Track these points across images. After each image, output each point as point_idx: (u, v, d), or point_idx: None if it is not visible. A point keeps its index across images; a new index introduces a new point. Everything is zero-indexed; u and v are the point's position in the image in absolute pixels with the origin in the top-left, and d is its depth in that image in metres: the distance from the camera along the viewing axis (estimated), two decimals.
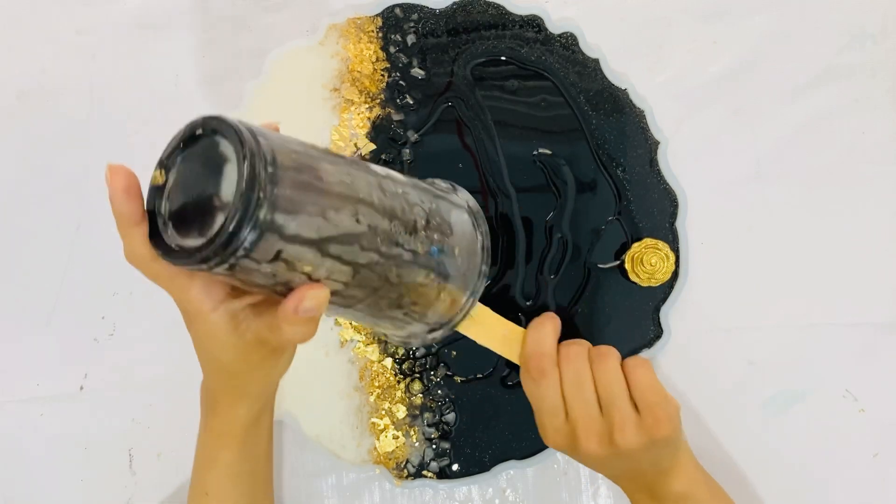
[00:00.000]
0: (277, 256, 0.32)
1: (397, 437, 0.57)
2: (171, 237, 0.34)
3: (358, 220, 0.35)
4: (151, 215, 0.35)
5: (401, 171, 0.58)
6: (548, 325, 0.48)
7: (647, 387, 0.45)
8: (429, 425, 0.58)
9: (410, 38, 0.59)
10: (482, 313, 0.47)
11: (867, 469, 0.59)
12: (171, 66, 0.61)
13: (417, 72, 0.59)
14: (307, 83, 0.59)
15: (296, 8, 0.61)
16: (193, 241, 0.33)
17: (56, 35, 0.61)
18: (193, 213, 0.33)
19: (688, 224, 0.59)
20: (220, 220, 0.31)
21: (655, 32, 0.61)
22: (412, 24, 0.59)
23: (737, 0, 0.61)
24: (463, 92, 0.59)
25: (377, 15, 0.59)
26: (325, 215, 0.33)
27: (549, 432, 0.46)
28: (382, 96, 0.59)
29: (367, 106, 0.59)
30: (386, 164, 0.59)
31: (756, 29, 0.61)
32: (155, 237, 0.35)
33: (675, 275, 0.58)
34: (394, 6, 0.59)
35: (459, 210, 0.43)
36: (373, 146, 0.59)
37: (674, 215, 0.59)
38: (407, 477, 0.58)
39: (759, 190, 0.60)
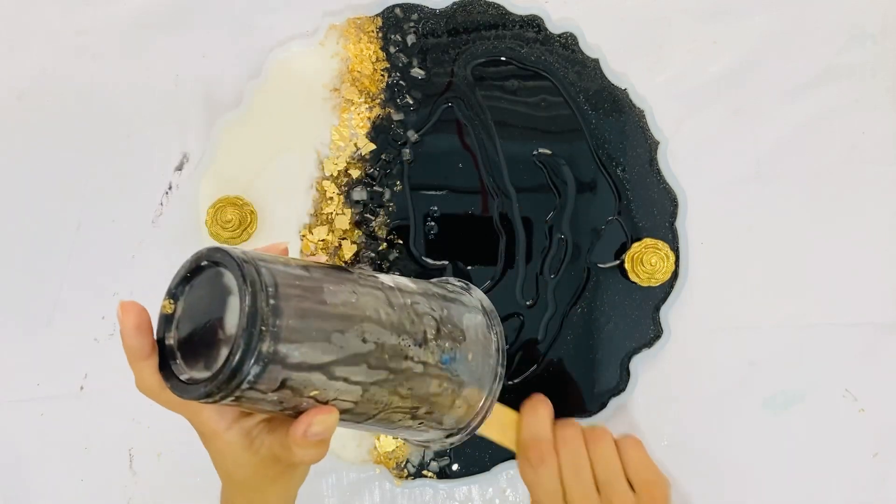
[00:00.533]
0: (283, 385, 0.33)
1: (397, 437, 0.57)
2: (180, 368, 0.34)
3: (364, 340, 0.35)
4: (160, 344, 0.35)
5: (402, 172, 0.58)
6: (542, 409, 0.48)
7: (641, 466, 0.47)
8: None
9: (410, 38, 0.59)
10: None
11: (867, 469, 0.59)
12: (171, 66, 0.61)
13: (417, 72, 0.59)
14: (307, 83, 0.59)
15: (296, 8, 0.61)
16: (199, 374, 0.33)
17: (56, 35, 0.61)
18: (200, 345, 0.33)
19: (688, 224, 0.59)
20: (224, 353, 0.31)
21: (655, 32, 0.61)
22: (412, 24, 0.59)
23: (737, 0, 0.61)
24: (463, 92, 0.59)
25: (377, 15, 0.59)
26: (330, 339, 0.33)
27: None
28: (382, 96, 0.59)
29: (367, 106, 0.59)
30: (386, 163, 0.59)
31: (756, 29, 0.61)
32: (164, 368, 0.35)
33: (675, 275, 0.58)
34: (394, 6, 0.59)
35: (473, 312, 0.42)
36: (373, 146, 0.59)
37: (674, 215, 0.59)
38: (407, 477, 0.58)
39: (759, 190, 0.60)
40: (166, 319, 0.35)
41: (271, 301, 0.31)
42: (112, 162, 0.60)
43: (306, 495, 0.58)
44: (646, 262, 0.57)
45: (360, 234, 0.58)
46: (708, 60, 0.61)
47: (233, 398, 0.32)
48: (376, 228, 0.58)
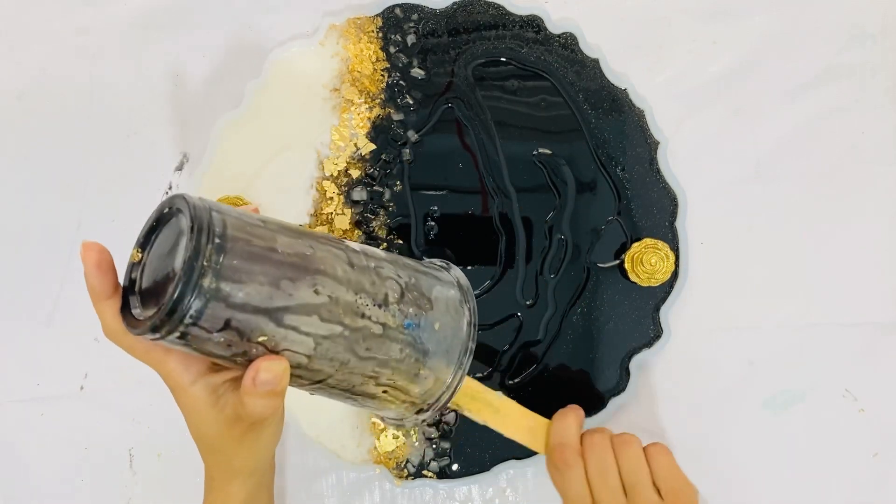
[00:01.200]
0: (227, 325, 0.33)
1: (397, 437, 0.57)
2: (138, 310, 0.36)
3: (317, 291, 0.35)
4: (126, 291, 0.36)
5: (402, 172, 0.58)
6: (570, 416, 0.49)
7: (669, 473, 0.47)
8: (429, 425, 0.58)
9: (410, 38, 0.59)
10: (507, 406, 0.49)
11: (867, 469, 0.59)
12: (171, 66, 0.61)
13: (417, 72, 0.59)
14: (307, 83, 0.59)
15: (296, 8, 0.61)
16: (149, 312, 0.34)
17: (56, 35, 0.61)
18: (157, 287, 0.35)
19: (688, 224, 0.59)
20: (176, 280, 0.32)
21: (655, 32, 0.61)
22: (412, 24, 0.59)
23: (737, 0, 0.61)
24: (463, 92, 0.59)
25: (377, 15, 0.59)
26: (279, 285, 0.34)
27: None
28: (382, 96, 0.59)
29: (367, 106, 0.59)
30: (386, 163, 0.59)
31: (756, 29, 0.61)
32: (125, 309, 0.36)
33: (675, 275, 0.58)
34: (394, 6, 0.59)
35: (445, 286, 0.42)
36: (373, 146, 0.59)
37: (674, 215, 0.59)
38: (407, 477, 0.58)
39: (759, 190, 0.60)
40: (132, 267, 0.36)
41: (216, 240, 0.33)
42: (112, 162, 0.60)
43: (306, 495, 0.59)
44: (646, 262, 0.57)
45: (361, 234, 0.58)
46: (708, 60, 0.61)
47: (178, 334, 0.33)
48: (376, 228, 0.58)
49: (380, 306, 0.38)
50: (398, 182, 0.59)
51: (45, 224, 0.60)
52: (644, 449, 0.48)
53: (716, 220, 0.60)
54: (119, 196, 0.60)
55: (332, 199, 0.58)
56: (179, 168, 0.60)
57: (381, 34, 0.59)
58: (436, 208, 0.59)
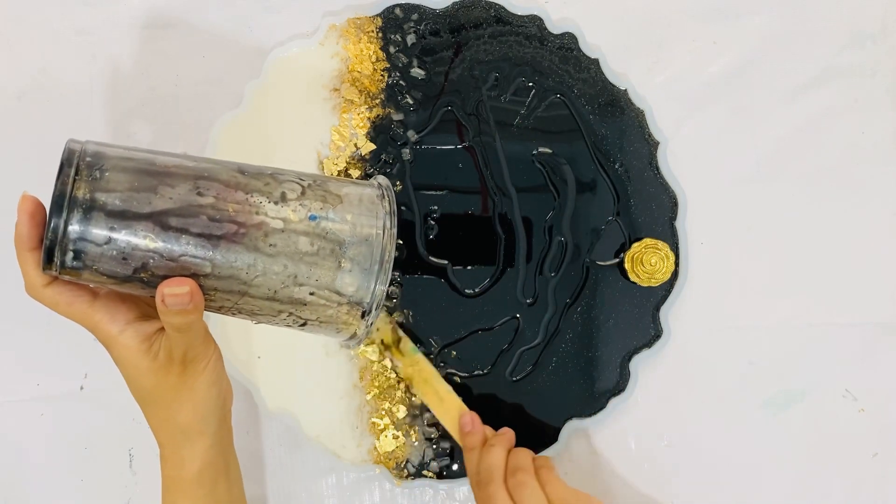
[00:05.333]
0: (112, 234, 0.35)
1: (397, 437, 0.57)
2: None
3: (200, 193, 0.36)
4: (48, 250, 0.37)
5: (402, 172, 0.58)
6: (496, 450, 0.51)
7: (564, 498, 0.48)
8: (429, 425, 0.58)
9: (410, 38, 0.59)
10: (451, 400, 0.54)
11: (867, 469, 0.59)
12: (171, 66, 0.61)
13: (417, 72, 0.59)
14: (307, 83, 0.59)
15: (296, 8, 0.61)
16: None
17: (56, 35, 0.61)
18: None
19: (688, 224, 0.59)
20: (53, 194, 0.35)
21: (655, 32, 0.61)
22: (412, 24, 0.59)
23: (737, 0, 0.61)
24: (463, 92, 0.59)
25: (377, 15, 0.59)
26: (156, 190, 0.36)
27: None
28: (382, 96, 0.59)
29: (367, 106, 0.59)
30: (386, 163, 0.59)
31: (756, 29, 0.61)
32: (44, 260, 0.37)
33: (675, 275, 0.58)
34: (394, 6, 0.59)
35: (359, 186, 0.42)
36: (373, 146, 0.59)
37: (674, 215, 0.59)
38: (407, 477, 0.58)
39: (759, 190, 0.60)
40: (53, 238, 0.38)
41: (87, 158, 0.35)
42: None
43: (306, 495, 0.59)
44: (646, 262, 0.57)
45: None
46: (708, 60, 0.61)
47: (72, 254, 0.35)
48: None
49: (276, 203, 0.38)
50: (398, 182, 0.59)
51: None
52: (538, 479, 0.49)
53: (716, 220, 0.60)
54: None
55: None
56: None
57: (381, 34, 0.59)
58: (436, 208, 0.59)
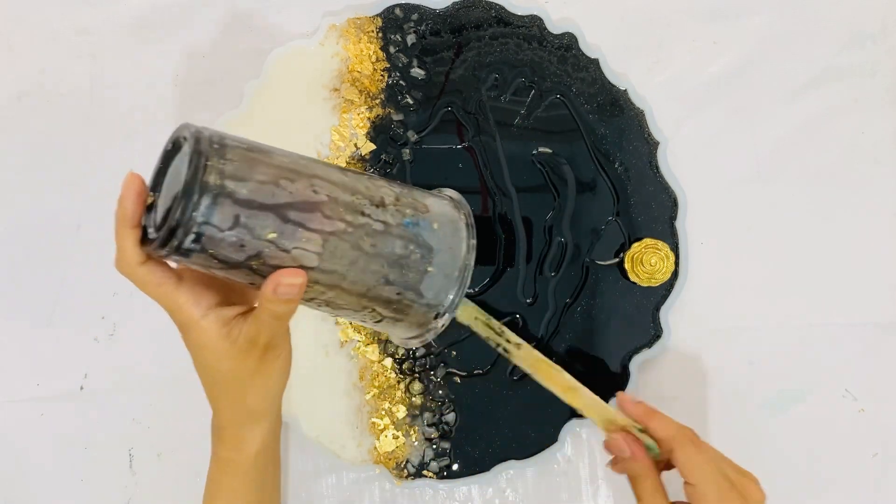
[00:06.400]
0: (237, 222, 0.35)
1: (397, 437, 0.57)
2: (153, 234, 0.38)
3: (315, 191, 0.38)
4: (144, 230, 0.38)
5: (402, 172, 0.58)
6: (642, 458, 0.46)
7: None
8: (429, 425, 0.58)
9: (410, 38, 0.59)
10: (585, 396, 0.48)
11: (867, 469, 0.59)
12: (171, 66, 0.61)
13: (417, 72, 0.59)
14: (307, 83, 0.59)
15: (296, 8, 0.61)
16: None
17: (56, 35, 0.61)
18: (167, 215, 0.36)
19: (688, 224, 0.59)
20: (183, 176, 0.35)
21: (655, 32, 0.61)
22: (412, 24, 0.59)
23: (737, 0, 0.61)
24: (463, 92, 0.59)
25: (377, 15, 0.59)
26: (278, 184, 0.37)
27: None
28: (382, 96, 0.59)
29: (367, 106, 0.59)
30: (386, 164, 0.59)
31: (756, 29, 0.61)
32: (143, 241, 0.38)
33: (675, 275, 0.58)
34: (394, 6, 0.59)
35: (437, 197, 0.44)
36: (373, 146, 0.59)
37: (674, 215, 0.59)
38: (407, 477, 0.58)
39: (759, 190, 0.60)
40: (148, 209, 0.38)
41: (215, 145, 0.36)
42: (112, 162, 0.60)
43: (306, 495, 0.59)
44: (646, 262, 0.57)
45: None
46: (708, 60, 0.61)
47: (193, 237, 0.35)
48: None
49: (377, 206, 0.40)
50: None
51: (45, 224, 0.60)
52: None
53: (716, 220, 0.60)
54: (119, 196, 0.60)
55: None
56: None
57: (381, 34, 0.59)
58: None
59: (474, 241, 0.44)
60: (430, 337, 0.45)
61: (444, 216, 0.43)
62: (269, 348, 0.42)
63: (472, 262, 0.43)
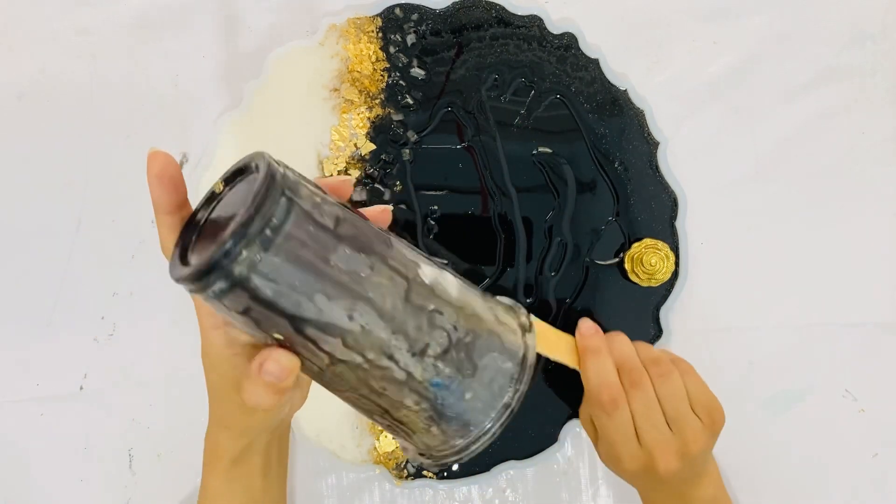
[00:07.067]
0: (246, 312, 0.32)
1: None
2: (192, 244, 0.34)
3: (351, 318, 0.32)
4: (193, 216, 0.35)
5: (402, 172, 0.58)
6: (604, 353, 0.47)
7: (701, 393, 0.47)
8: None
9: (410, 38, 0.59)
10: (544, 330, 0.45)
11: (867, 469, 0.59)
12: (171, 66, 0.61)
13: (417, 72, 0.59)
14: (307, 83, 0.59)
15: (296, 8, 0.61)
16: (191, 259, 0.33)
17: (56, 35, 0.61)
18: (212, 235, 0.33)
19: (688, 224, 0.59)
20: (210, 251, 0.30)
21: (655, 32, 0.61)
22: (412, 24, 0.59)
23: (737, 0, 0.61)
24: (463, 92, 0.59)
25: (377, 15, 0.59)
26: (313, 297, 0.31)
27: (626, 458, 0.47)
28: (382, 96, 0.59)
29: (366, 106, 0.59)
30: (386, 163, 0.59)
31: (756, 29, 0.61)
32: (182, 236, 0.34)
33: (675, 275, 0.58)
34: (394, 6, 0.59)
35: (503, 356, 0.36)
36: (372, 146, 0.59)
37: (674, 215, 0.59)
38: (407, 477, 0.58)
39: (759, 190, 0.60)
40: (209, 198, 0.35)
41: (267, 232, 0.30)
42: (112, 162, 0.60)
43: (306, 495, 0.59)
44: (646, 262, 0.57)
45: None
46: (708, 60, 0.61)
47: (202, 297, 0.32)
48: None
49: (413, 355, 0.34)
50: (398, 182, 0.59)
51: (44, 224, 0.60)
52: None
53: (716, 220, 0.60)
54: (119, 196, 0.60)
55: None
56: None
57: (380, 34, 0.59)
58: (436, 208, 0.59)
59: (500, 430, 0.36)
60: (408, 456, 0.39)
61: (487, 388, 0.35)
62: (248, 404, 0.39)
63: (480, 449, 0.36)
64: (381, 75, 0.59)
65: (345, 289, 0.32)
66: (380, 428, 0.57)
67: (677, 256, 0.58)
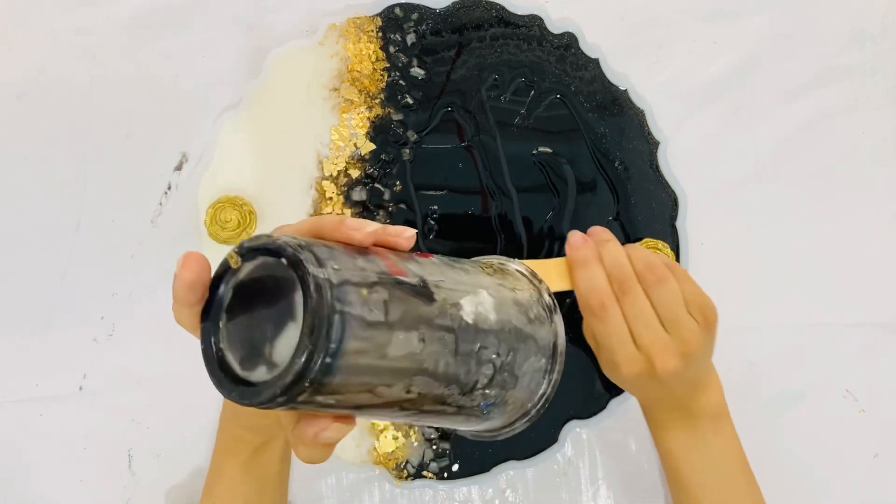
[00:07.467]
0: (309, 404, 0.30)
1: (397, 438, 0.57)
2: (221, 335, 0.31)
3: (409, 391, 0.32)
4: (213, 290, 0.32)
5: (402, 172, 0.58)
6: (592, 261, 0.47)
7: (697, 296, 0.46)
8: (428, 426, 0.58)
9: (410, 38, 0.59)
10: (536, 270, 0.44)
11: (867, 469, 0.59)
12: (171, 66, 0.61)
13: (417, 71, 0.59)
14: (307, 83, 0.59)
15: (296, 8, 0.61)
16: (233, 360, 0.31)
17: (56, 35, 0.61)
18: (246, 332, 0.30)
19: (688, 224, 0.59)
20: (262, 373, 0.29)
21: (655, 32, 0.61)
22: (412, 24, 0.59)
23: (737, 0, 0.61)
24: (463, 92, 0.59)
25: (377, 15, 0.59)
26: (374, 391, 0.30)
27: (623, 362, 0.46)
28: (382, 96, 0.59)
29: (366, 106, 0.59)
30: (385, 163, 0.58)
31: (756, 29, 0.61)
32: (205, 318, 0.32)
33: None
34: (394, 6, 0.59)
35: (538, 355, 0.38)
36: (372, 146, 0.59)
37: (674, 215, 0.59)
38: (407, 477, 0.58)
39: (759, 190, 0.60)
40: (226, 271, 0.31)
41: (328, 359, 0.28)
42: (111, 162, 0.60)
43: (306, 495, 0.59)
44: None
45: None
46: (708, 60, 0.61)
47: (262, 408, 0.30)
48: None
49: (465, 394, 0.34)
50: (398, 182, 0.59)
51: (44, 224, 0.60)
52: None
53: (716, 220, 0.60)
54: (119, 196, 0.60)
55: (331, 199, 0.58)
56: (179, 168, 0.60)
57: (380, 34, 0.59)
58: (436, 208, 0.59)
59: (537, 415, 0.39)
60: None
61: (526, 390, 0.38)
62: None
63: (521, 429, 0.39)
64: (381, 75, 0.59)
65: (403, 372, 0.31)
66: (380, 427, 0.57)
67: (677, 256, 0.58)
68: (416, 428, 0.58)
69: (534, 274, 0.41)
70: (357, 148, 0.59)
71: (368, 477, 0.59)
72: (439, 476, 0.58)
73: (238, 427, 0.45)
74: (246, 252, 0.30)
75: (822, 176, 0.60)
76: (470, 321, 0.34)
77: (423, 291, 0.33)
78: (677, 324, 0.45)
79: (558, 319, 0.39)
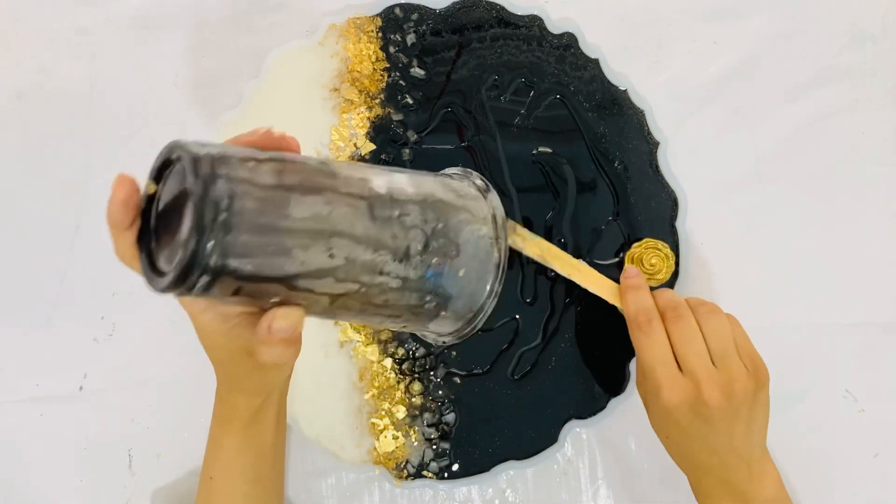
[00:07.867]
0: (238, 292, 0.32)
1: (397, 438, 0.57)
2: (153, 247, 0.35)
3: (332, 255, 0.33)
4: (142, 225, 0.35)
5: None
6: (643, 288, 0.50)
7: (747, 343, 0.47)
8: (428, 426, 0.58)
9: (410, 38, 0.59)
10: (586, 268, 0.51)
11: (867, 469, 0.59)
12: (171, 66, 0.61)
13: (417, 72, 0.59)
14: (307, 83, 0.59)
15: (296, 8, 0.61)
16: (164, 263, 0.33)
17: (56, 35, 0.61)
18: (169, 232, 0.33)
19: (688, 224, 0.59)
20: (178, 256, 0.31)
21: (655, 32, 0.61)
22: (412, 24, 0.59)
23: (737, 0, 0.61)
24: (463, 92, 0.59)
25: (377, 15, 0.59)
26: (290, 254, 0.32)
27: (666, 383, 0.46)
28: (382, 96, 0.59)
29: (366, 106, 0.59)
30: (385, 164, 0.58)
31: (756, 29, 0.61)
32: (141, 241, 0.35)
33: (676, 275, 0.58)
34: (394, 6, 0.59)
35: (477, 224, 0.39)
36: (372, 146, 0.59)
37: (674, 215, 0.59)
38: (407, 477, 0.58)
39: (759, 190, 0.60)
40: (149, 199, 0.35)
41: (222, 215, 0.30)
42: (112, 162, 0.60)
43: (306, 495, 0.59)
44: (646, 262, 0.57)
45: None
46: (708, 60, 0.61)
47: (190, 297, 0.32)
48: None
49: (400, 261, 0.36)
50: None
51: (44, 224, 0.60)
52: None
53: (716, 220, 0.60)
54: None
55: None
56: None
57: (380, 34, 0.59)
58: None
59: (499, 287, 0.40)
60: (429, 340, 0.44)
61: (475, 257, 0.39)
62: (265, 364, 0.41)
63: (491, 309, 0.40)
64: (381, 75, 0.59)
65: (315, 233, 0.33)
66: (380, 427, 0.57)
67: (677, 256, 0.58)
68: (417, 428, 0.58)
69: (466, 169, 0.43)
70: (357, 148, 0.59)
71: (368, 477, 0.59)
72: (439, 476, 0.58)
73: (232, 391, 0.46)
74: (155, 173, 0.34)
75: (822, 176, 0.60)
76: (383, 192, 0.36)
77: (322, 168, 0.35)
78: (726, 360, 0.46)
79: (493, 196, 0.41)
